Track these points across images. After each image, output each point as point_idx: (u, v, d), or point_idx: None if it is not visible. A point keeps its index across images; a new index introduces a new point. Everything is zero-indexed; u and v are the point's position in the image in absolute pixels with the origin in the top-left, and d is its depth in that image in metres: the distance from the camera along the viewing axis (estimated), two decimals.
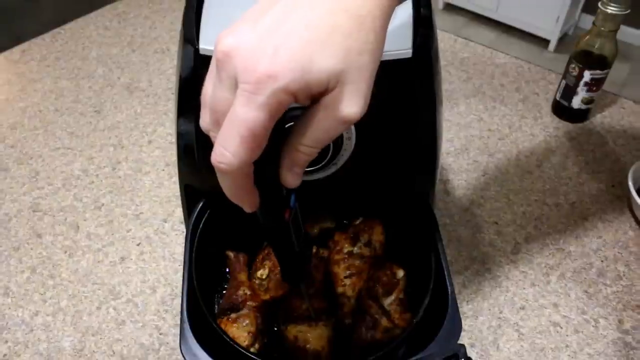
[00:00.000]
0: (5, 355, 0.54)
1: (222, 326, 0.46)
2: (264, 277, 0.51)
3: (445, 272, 0.44)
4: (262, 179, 0.29)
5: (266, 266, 0.51)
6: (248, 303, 0.48)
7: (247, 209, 0.31)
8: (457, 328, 0.42)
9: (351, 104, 0.26)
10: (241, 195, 0.29)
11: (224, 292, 0.52)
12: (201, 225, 0.48)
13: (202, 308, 0.42)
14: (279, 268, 0.50)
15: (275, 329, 0.49)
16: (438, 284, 0.44)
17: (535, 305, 0.59)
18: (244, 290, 0.49)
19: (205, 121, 0.28)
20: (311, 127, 0.27)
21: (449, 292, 0.43)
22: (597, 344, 0.55)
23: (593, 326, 0.57)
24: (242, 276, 0.51)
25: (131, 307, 0.58)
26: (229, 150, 0.25)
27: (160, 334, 0.56)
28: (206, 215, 0.49)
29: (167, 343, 0.55)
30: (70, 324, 0.57)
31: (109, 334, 0.56)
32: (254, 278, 0.52)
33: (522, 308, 0.58)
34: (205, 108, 0.28)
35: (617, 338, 0.56)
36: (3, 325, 0.57)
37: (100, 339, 0.55)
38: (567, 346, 0.55)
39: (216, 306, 0.52)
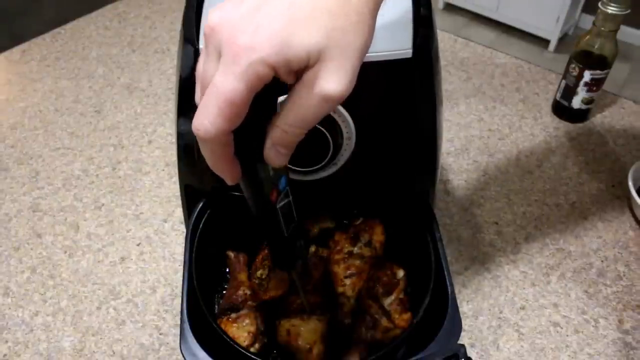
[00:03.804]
0: (5, 355, 0.54)
1: (222, 326, 0.46)
2: (263, 277, 0.51)
3: (446, 272, 0.44)
4: (244, 151, 0.30)
5: (266, 266, 0.51)
6: (248, 303, 0.48)
7: (228, 180, 0.31)
8: (457, 328, 0.42)
9: (332, 80, 0.26)
10: (220, 165, 0.29)
11: (224, 292, 0.52)
12: (201, 225, 0.48)
13: (202, 308, 0.42)
14: None
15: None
16: (438, 284, 0.44)
17: (536, 305, 0.59)
18: (244, 290, 0.49)
19: (197, 95, 0.29)
20: (294, 104, 0.27)
21: (449, 292, 0.43)
22: (597, 344, 0.55)
23: (593, 326, 0.57)
24: (242, 276, 0.51)
25: (131, 307, 0.58)
26: (207, 118, 0.26)
27: (161, 334, 0.56)
28: (206, 215, 0.49)
29: (167, 343, 0.55)
30: (70, 324, 0.57)
31: (109, 334, 0.56)
32: (253, 278, 0.52)
33: (522, 308, 0.58)
34: (198, 82, 0.29)
35: (617, 338, 0.56)
36: (3, 325, 0.56)
37: (101, 339, 0.55)
38: (567, 346, 0.55)
39: (216, 306, 0.52)
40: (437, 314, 0.43)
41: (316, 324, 0.46)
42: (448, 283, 0.44)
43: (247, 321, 0.46)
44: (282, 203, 0.34)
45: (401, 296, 0.48)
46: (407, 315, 0.47)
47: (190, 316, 0.42)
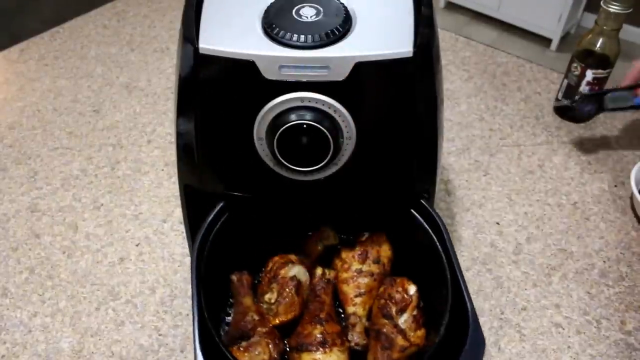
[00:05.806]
0: (3, 356, 0.54)
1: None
2: (272, 300, 0.48)
3: (463, 288, 0.42)
4: None
5: (274, 289, 0.49)
6: (258, 329, 0.46)
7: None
8: (481, 349, 0.39)
9: None
10: None
11: (230, 314, 0.49)
12: (208, 245, 0.45)
13: (215, 339, 0.39)
14: (287, 290, 0.48)
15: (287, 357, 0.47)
16: (455, 300, 0.42)
17: (537, 306, 0.58)
18: (252, 316, 0.47)
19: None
20: None
21: (469, 310, 0.40)
22: (599, 345, 0.55)
23: (595, 327, 0.56)
24: (248, 300, 0.49)
25: (130, 308, 0.58)
26: None
27: (160, 334, 0.55)
28: (212, 234, 0.46)
29: (167, 344, 0.55)
30: (69, 324, 0.56)
31: (108, 335, 0.55)
32: (261, 302, 0.49)
33: (524, 309, 0.58)
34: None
35: (620, 339, 0.55)
36: (1, 326, 0.56)
37: (99, 340, 0.55)
38: (569, 347, 0.55)
39: (222, 330, 0.49)
40: (455, 330, 0.41)
41: (338, 355, 0.44)
42: (467, 299, 0.41)
43: (259, 349, 0.44)
44: None
45: (414, 313, 0.46)
46: (421, 332, 0.45)
47: (203, 347, 0.39)
